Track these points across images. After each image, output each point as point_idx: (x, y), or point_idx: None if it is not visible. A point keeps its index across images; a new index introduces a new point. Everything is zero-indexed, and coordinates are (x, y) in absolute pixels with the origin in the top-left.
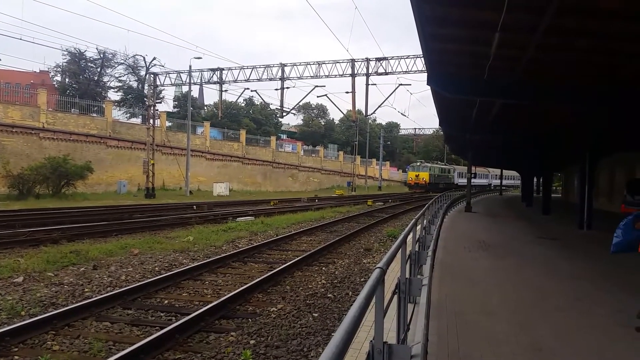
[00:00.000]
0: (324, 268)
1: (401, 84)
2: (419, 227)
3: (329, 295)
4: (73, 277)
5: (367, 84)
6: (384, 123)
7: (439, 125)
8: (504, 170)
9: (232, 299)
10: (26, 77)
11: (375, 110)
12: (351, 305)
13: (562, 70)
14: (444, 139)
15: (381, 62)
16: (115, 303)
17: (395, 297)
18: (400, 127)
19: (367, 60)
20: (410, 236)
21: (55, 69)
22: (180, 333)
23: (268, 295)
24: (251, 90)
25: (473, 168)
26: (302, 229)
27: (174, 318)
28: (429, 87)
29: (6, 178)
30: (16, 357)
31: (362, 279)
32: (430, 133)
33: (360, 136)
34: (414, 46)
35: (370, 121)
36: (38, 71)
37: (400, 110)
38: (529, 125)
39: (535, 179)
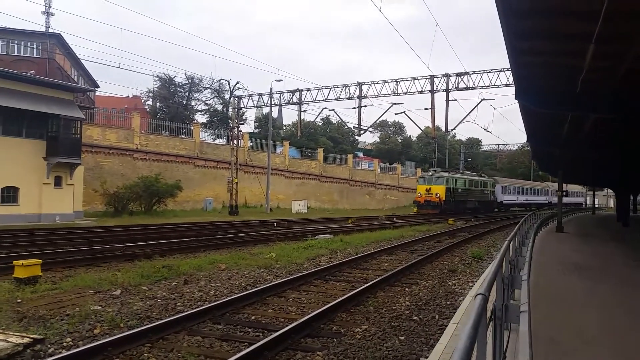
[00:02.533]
0: (407, 289)
1: (484, 99)
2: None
3: (415, 317)
4: (166, 291)
5: (447, 100)
6: (464, 139)
7: (527, 140)
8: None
9: (316, 318)
10: (121, 102)
11: (456, 126)
12: (440, 329)
13: None
14: (530, 155)
15: (462, 77)
16: (205, 317)
17: (490, 323)
18: (482, 143)
19: (447, 75)
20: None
21: (147, 94)
22: (269, 350)
23: (351, 315)
24: (329, 110)
25: (513, 182)
26: (381, 248)
27: (261, 334)
28: (513, 101)
29: (103, 196)
30: None
31: (448, 302)
32: (515, 149)
33: (439, 153)
34: (496, 60)
35: (449, 137)
36: (131, 96)
37: (483, 126)
38: (628, 141)
39: (631, 197)
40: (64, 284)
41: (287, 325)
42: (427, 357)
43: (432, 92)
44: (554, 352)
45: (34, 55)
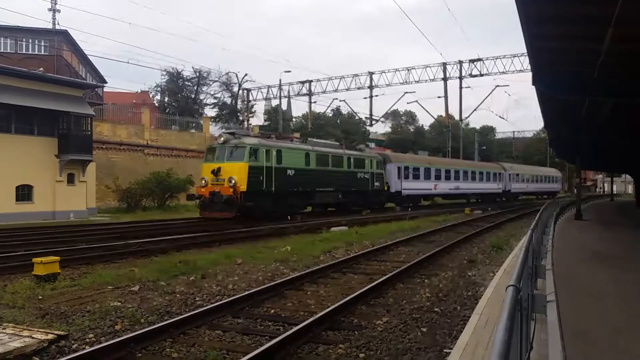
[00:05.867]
0: (426, 280)
1: (498, 86)
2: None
3: (436, 309)
4: (184, 286)
5: (461, 87)
6: (478, 127)
7: (544, 127)
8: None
9: (336, 311)
10: (129, 98)
11: (470, 114)
12: (462, 320)
13: None
14: (548, 142)
15: (475, 63)
16: (225, 312)
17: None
18: (497, 131)
19: (460, 62)
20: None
21: (155, 88)
22: (290, 343)
23: (372, 308)
24: (340, 100)
25: (423, 160)
26: (398, 239)
27: (281, 328)
28: (528, 87)
29: (116, 192)
30: None
31: (469, 293)
32: (531, 136)
33: (453, 141)
34: (511, 46)
35: (463, 125)
36: (139, 91)
37: (498, 113)
38: None
39: None
40: (83, 280)
41: (307, 319)
42: (451, 349)
43: (445, 79)
44: (583, 342)
45: (42, 53)
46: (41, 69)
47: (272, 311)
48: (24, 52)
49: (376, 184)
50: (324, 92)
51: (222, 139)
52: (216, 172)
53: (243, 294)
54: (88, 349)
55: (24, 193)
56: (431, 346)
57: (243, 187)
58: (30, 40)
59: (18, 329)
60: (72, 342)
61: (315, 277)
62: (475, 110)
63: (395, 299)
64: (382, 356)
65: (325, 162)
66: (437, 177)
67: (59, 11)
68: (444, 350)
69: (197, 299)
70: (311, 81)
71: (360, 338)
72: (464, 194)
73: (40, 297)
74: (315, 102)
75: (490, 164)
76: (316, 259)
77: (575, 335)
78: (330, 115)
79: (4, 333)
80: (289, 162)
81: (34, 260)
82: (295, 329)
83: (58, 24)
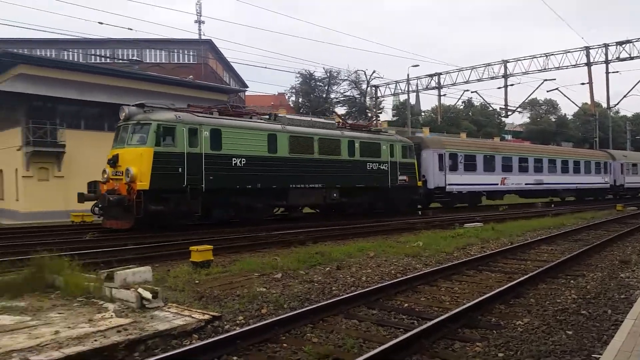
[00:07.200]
0: (572, 281)
1: None
2: None
3: (583, 312)
4: (321, 275)
5: (607, 72)
6: (629, 114)
7: None
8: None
9: (472, 308)
10: (267, 100)
11: (619, 101)
12: (614, 325)
13: None
14: None
15: (623, 46)
16: (360, 302)
17: None
18: None
19: (606, 45)
20: None
21: (290, 90)
22: (425, 338)
23: (511, 308)
24: (471, 92)
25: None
26: (539, 237)
27: (415, 322)
28: None
29: None
30: (284, 345)
31: (622, 296)
32: None
33: (601, 131)
34: None
35: (612, 113)
36: (277, 94)
37: None
38: None
39: None
40: (232, 267)
41: (442, 314)
42: (600, 354)
43: (589, 64)
44: None
45: (190, 62)
46: (191, 76)
47: (406, 305)
48: (175, 61)
49: (401, 177)
50: (453, 84)
51: (124, 113)
52: (113, 162)
53: (376, 286)
54: (239, 330)
55: None
56: (578, 350)
57: (144, 183)
58: (180, 51)
59: (180, 309)
60: (225, 322)
61: (448, 274)
62: (625, 97)
63: (537, 299)
64: (523, 357)
65: (306, 148)
66: (507, 169)
67: (203, 22)
68: (593, 355)
69: (334, 288)
70: (440, 74)
71: (499, 337)
72: (552, 189)
73: (196, 282)
74: (444, 94)
75: (593, 151)
76: (449, 255)
77: None
78: (462, 107)
79: (169, 312)
80: (235, 147)
81: (191, 248)
82: (430, 323)
83: (203, 34)
